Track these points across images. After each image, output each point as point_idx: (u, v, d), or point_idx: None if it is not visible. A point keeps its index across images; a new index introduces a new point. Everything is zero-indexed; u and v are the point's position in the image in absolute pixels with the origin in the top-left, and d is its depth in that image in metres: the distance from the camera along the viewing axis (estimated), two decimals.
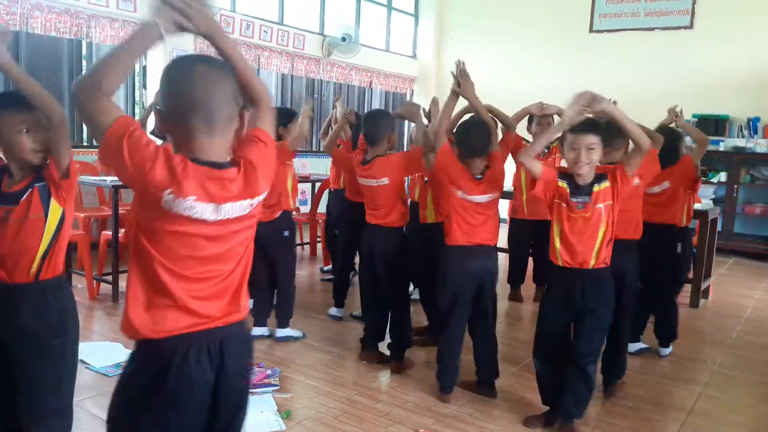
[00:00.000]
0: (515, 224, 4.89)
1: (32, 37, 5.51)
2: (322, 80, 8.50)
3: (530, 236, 4.85)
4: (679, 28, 8.05)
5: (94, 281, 4.53)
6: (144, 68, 6.40)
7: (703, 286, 5.10)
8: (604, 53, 8.44)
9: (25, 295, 1.92)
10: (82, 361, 3.27)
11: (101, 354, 3.42)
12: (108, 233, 4.61)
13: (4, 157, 1.93)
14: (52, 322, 1.96)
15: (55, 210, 1.93)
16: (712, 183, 7.38)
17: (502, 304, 4.82)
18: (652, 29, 8.23)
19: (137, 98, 6.54)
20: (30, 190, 1.88)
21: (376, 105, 9.69)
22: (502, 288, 5.01)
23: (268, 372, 3.23)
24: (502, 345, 3.96)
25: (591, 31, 8.65)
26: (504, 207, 4.81)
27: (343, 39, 8.13)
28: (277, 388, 3.08)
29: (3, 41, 1.84)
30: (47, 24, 5.40)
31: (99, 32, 5.79)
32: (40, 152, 1.88)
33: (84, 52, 6.09)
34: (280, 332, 3.75)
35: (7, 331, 1.91)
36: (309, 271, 5.69)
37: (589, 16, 8.64)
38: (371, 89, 9.40)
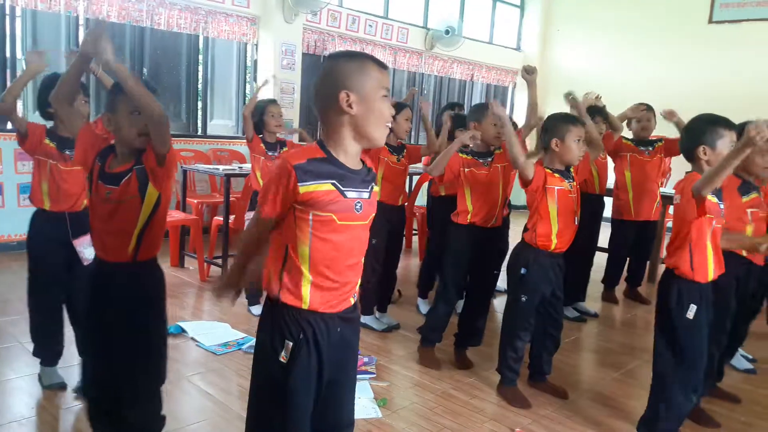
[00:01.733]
0: (620, 225, 4.70)
1: (156, 32, 5.89)
2: (423, 74, 8.52)
3: (633, 237, 4.68)
4: None
5: (205, 264, 4.80)
6: (255, 62, 6.67)
7: None
8: (725, 46, 7.85)
9: (118, 274, 2.00)
10: (193, 339, 3.49)
11: (210, 333, 3.62)
12: (219, 219, 4.86)
13: (114, 137, 2.02)
14: (139, 303, 2.01)
15: (151, 193, 1.99)
16: None
17: (596, 304, 4.69)
18: None
19: (247, 91, 6.83)
20: (130, 173, 1.96)
21: (477, 98, 9.59)
22: (596, 288, 4.90)
23: (365, 359, 3.31)
24: (604, 348, 3.86)
25: (710, 21, 8.09)
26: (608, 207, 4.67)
27: (447, 32, 8.10)
28: (374, 375, 3.14)
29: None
30: (170, 20, 5.76)
31: (215, 28, 6.10)
32: (143, 136, 1.95)
33: (200, 46, 6.43)
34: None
35: (103, 306, 2.01)
36: (405, 263, 5.73)
37: (709, 5, 8.08)
38: (473, 82, 9.31)
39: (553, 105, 4.14)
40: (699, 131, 2.38)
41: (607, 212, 4.67)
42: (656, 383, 2.51)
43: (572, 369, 3.49)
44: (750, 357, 3.71)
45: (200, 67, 6.51)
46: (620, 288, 4.97)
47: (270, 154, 4.00)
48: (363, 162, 1.63)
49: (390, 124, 1.60)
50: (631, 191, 4.55)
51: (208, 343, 3.47)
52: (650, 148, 4.52)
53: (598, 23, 9.04)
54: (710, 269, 2.40)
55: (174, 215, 4.89)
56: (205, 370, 3.14)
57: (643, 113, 4.53)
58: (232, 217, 4.74)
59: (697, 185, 2.22)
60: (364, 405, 2.81)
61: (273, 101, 4.14)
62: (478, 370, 3.32)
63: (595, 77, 8.85)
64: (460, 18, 8.60)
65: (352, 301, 1.66)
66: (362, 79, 1.53)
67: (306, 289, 1.56)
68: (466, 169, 3.19)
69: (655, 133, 4.58)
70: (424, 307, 4.29)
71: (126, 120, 1.95)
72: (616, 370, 3.47)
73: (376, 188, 1.66)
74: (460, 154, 3.19)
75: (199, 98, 6.51)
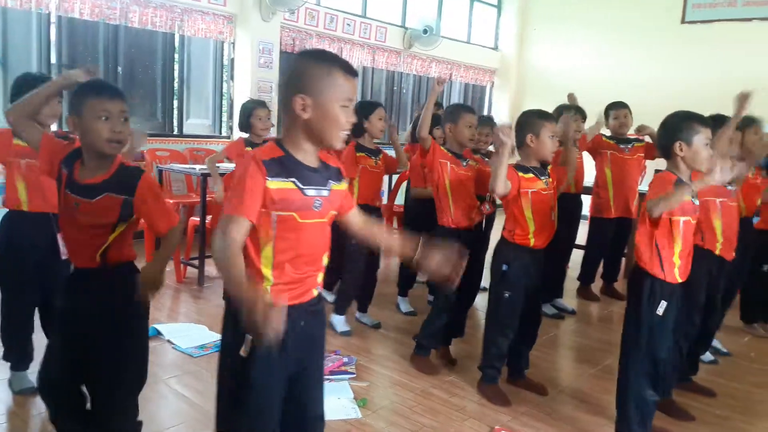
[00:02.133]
0: (599, 222, 4.75)
1: (130, 30, 5.80)
2: (402, 73, 8.52)
3: (612, 234, 4.75)
4: None
5: (182, 265, 4.74)
6: (232, 60, 6.61)
7: None
8: (697, 46, 7.99)
9: (91, 278, 1.95)
10: (169, 342, 3.45)
11: (186, 335, 3.57)
12: (195, 219, 4.80)
13: (81, 142, 1.93)
14: (114, 308, 1.93)
15: (124, 224, 1.93)
16: None
17: (573, 301, 4.74)
18: (750, 20, 7.74)
19: (224, 90, 6.77)
20: (104, 193, 1.87)
21: (456, 97, 9.63)
22: (573, 285, 4.95)
23: (345, 360, 3.29)
24: (581, 344, 3.89)
25: (683, 21, 8.23)
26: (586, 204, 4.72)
27: (425, 31, 8.11)
28: (354, 376, 3.13)
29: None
30: (144, 18, 5.68)
31: (191, 26, 6.03)
32: (113, 143, 1.87)
33: (176, 45, 6.36)
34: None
35: (78, 311, 1.95)
36: (385, 262, 5.72)
37: (682, 5, 8.21)
38: (451, 81, 9.34)
39: (531, 104, 4.20)
40: (675, 127, 2.40)
41: (585, 209, 4.71)
42: (622, 378, 2.54)
43: (551, 366, 3.52)
44: (725, 350, 3.77)
45: (176, 66, 6.42)
46: (597, 285, 5.01)
47: None
48: (322, 160, 1.61)
49: (346, 132, 1.57)
50: (612, 189, 4.60)
51: (185, 345, 3.43)
52: (629, 146, 4.57)
53: (574, 23, 9.13)
54: (677, 272, 2.43)
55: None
56: (181, 372, 3.10)
57: (621, 111, 4.60)
58: (209, 218, 4.68)
59: (651, 206, 2.26)
60: (344, 405, 2.80)
61: (261, 103, 4.05)
62: (457, 368, 3.32)
63: (571, 76, 8.93)
64: (438, 17, 8.62)
65: (315, 292, 1.64)
66: (323, 84, 1.50)
67: (267, 288, 1.54)
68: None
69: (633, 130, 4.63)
70: (404, 305, 4.29)
71: (93, 124, 1.85)
72: (593, 366, 3.50)
73: (337, 186, 1.62)
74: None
75: (175, 97, 6.42)
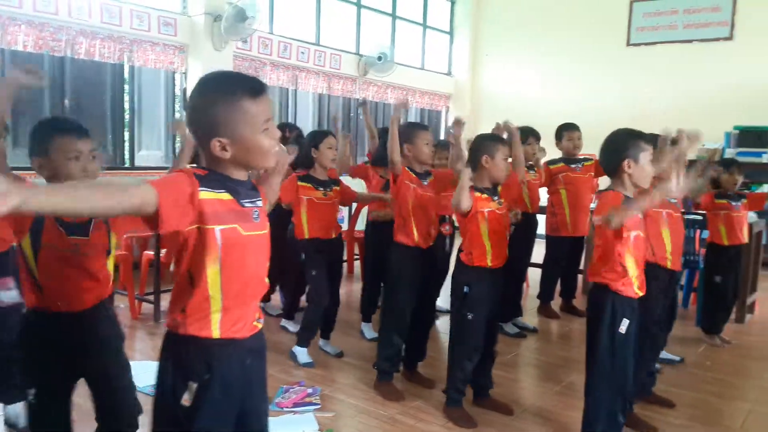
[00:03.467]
0: (556, 241, 4.83)
1: (77, 62, 5.69)
2: (358, 99, 8.56)
3: (568, 252, 4.85)
4: (718, 39, 7.92)
5: (137, 301, 4.60)
6: (184, 90, 6.54)
7: (749, 300, 4.94)
8: (642, 67, 8.33)
9: (86, 321, 1.96)
10: None
11: (143, 373, 3.44)
12: (150, 253, 4.68)
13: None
14: (106, 346, 2.03)
15: (112, 237, 2.02)
16: None
17: (534, 319, 4.78)
18: (691, 41, 8.11)
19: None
20: (94, 222, 1.93)
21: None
22: (534, 303, 5.01)
23: (309, 390, 3.22)
24: (544, 362, 3.91)
25: (628, 44, 8.56)
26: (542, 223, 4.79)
27: (379, 58, 8.20)
28: (319, 407, 3.06)
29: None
30: (92, 49, 5.58)
31: (141, 56, 5.95)
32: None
33: (126, 76, 6.26)
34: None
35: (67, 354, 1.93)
36: (347, 288, 5.68)
37: (626, 29, 8.55)
38: (407, 107, 9.41)
39: (485, 127, 4.24)
40: (623, 145, 2.44)
41: (540, 229, 4.77)
42: (590, 398, 2.54)
43: (515, 384, 3.52)
44: (678, 359, 3.84)
45: (126, 97, 6.32)
46: (557, 302, 5.07)
47: None
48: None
49: (275, 149, 1.51)
50: (568, 208, 4.70)
51: (141, 384, 3.26)
52: (580, 165, 4.69)
53: (524, 48, 9.39)
54: (636, 286, 2.47)
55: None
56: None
57: (574, 133, 4.73)
58: (163, 251, 4.57)
59: (607, 219, 2.27)
60: None
61: None
62: (422, 392, 3.29)
63: (523, 100, 9.17)
64: (392, 44, 8.73)
65: (258, 325, 1.56)
66: (235, 121, 1.41)
67: (216, 317, 1.45)
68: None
69: (584, 151, 4.74)
70: (368, 331, 4.24)
71: (64, 165, 1.83)
72: (556, 383, 3.51)
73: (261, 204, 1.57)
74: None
75: (125, 128, 6.31)
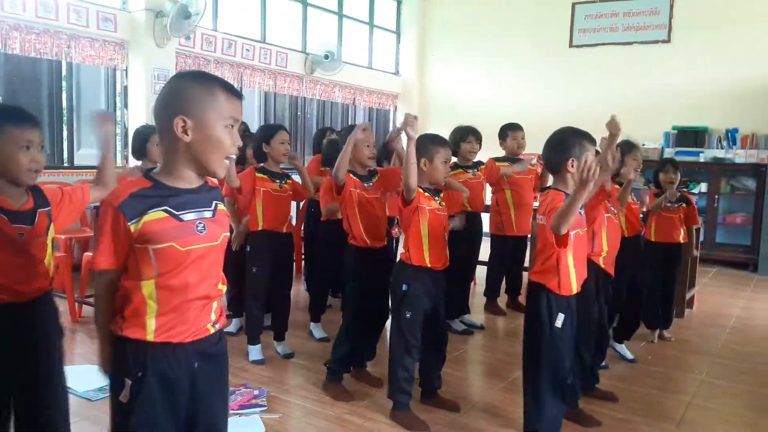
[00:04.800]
0: (500, 240, 4.90)
1: (11, 58, 5.46)
2: (305, 98, 8.51)
3: (512, 249, 4.93)
4: (657, 41, 8.20)
5: (76, 303, 4.45)
6: (125, 88, 6.36)
7: (688, 296, 5.13)
8: (584, 68, 8.57)
9: (33, 310, 1.95)
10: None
11: (83, 377, 3.34)
12: (89, 254, 4.53)
13: None
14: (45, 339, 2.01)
15: (51, 230, 1.99)
16: (693, 194, 7.48)
17: (480, 316, 4.86)
18: (631, 43, 8.37)
19: (119, 119, 6.49)
20: (37, 213, 1.92)
21: (359, 122, 9.71)
22: (480, 301, 5.08)
23: (255, 392, 3.18)
24: (490, 359, 3.98)
25: (571, 45, 8.78)
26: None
27: (326, 56, 8.16)
28: (265, 408, 3.03)
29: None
30: (26, 44, 5.36)
31: (79, 53, 5.75)
32: (33, 172, 1.88)
33: (64, 72, 6.04)
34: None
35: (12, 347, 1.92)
36: (295, 288, 5.63)
37: (569, 31, 8.76)
38: (354, 106, 9.42)
39: (433, 127, 4.29)
40: (568, 144, 2.48)
41: (485, 227, 4.84)
42: (527, 392, 2.60)
43: (461, 382, 3.56)
44: (630, 357, 3.94)
45: (64, 94, 6.10)
46: (503, 299, 5.15)
47: None
48: (206, 181, 1.56)
49: (232, 155, 1.52)
50: (512, 207, 4.75)
51: (82, 388, 3.20)
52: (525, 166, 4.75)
53: (470, 48, 9.50)
54: (573, 284, 2.51)
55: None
56: (79, 418, 2.86)
57: (518, 132, 4.78)
58: None
59: (555, 225, 2.28)
60: None
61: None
62: (371, 392, 3.29)
63: (469, 100, 9.29)
64: (339, 43, 8.70)
65: (211, 329, 1.56)
66: (204, 104, 1.43)
67: (151, 321, 1.46)
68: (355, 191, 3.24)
69: (528, 150, 4.83)
70: (317, 331, 4.22)
71: (13, 154, 1.83)
72: (502, 379, 3.57)
73: (222, 206, 1.58)
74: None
75: (64, 127, 6.09)
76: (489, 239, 4.96)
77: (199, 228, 1.48)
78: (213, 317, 1.56)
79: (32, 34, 5.39)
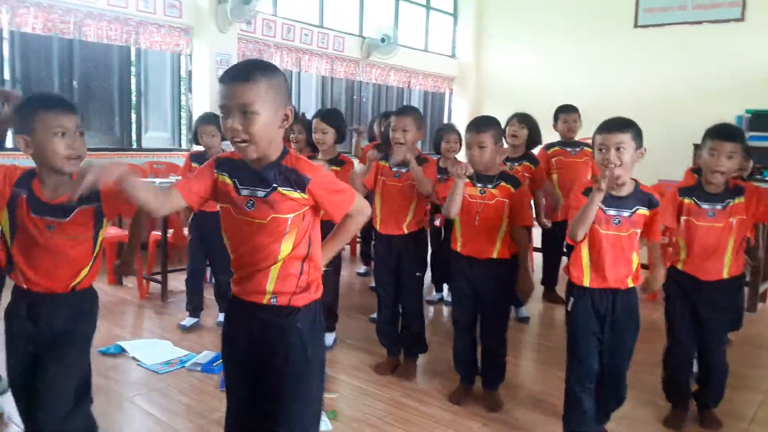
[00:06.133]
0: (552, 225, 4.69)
1: (85, 44, 5.70)
2: (361, 82, 8.55)
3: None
4: (729, 20, 7.81)
5: (144, 281, 4.66)
6: (190, 73, 6.54)
7: (762, 289, 4.91)
8: (650, 49, 8.23)
9: (57, 305, 1.92)
10: (134, 359, 3.39)
11: (151, 351, 3.51)
12: (157, 233, 4.72)
13: (35, 162, 1.88)
14: (74, 332, 1.96)
15: (103, 229, 1.98)
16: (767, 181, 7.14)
17: (537, 305, 4.81)
18: (701, 23, 8.01)
19: (183, 103, 6.69)
20: (76, 208, 1.86)
21: (415, 105, 9.67)
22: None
23: None
24: (547, 347, 3.94)
25: (636, 26, 8.46)
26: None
27: (382, 40, 8.16)
28: None
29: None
30: (99, 31, 5.58)
31: (146, 39, 5.95)
32: (72, 159, 1.83)
33: (132, 58, 6.26)
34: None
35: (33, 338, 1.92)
36: (348, 271, 5.72)
37: (634, 10, 8.44)
38: (410, 89, 9.41)
39: (490, 110, 4.24)
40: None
41: None
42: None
43: (519, 370, 3.54)
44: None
45: (133, 79, 6.33)
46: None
47: None
48: (285, 165, 1.63)
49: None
50: (559, 192, 4.57)
51: (150, 362, 3.36)
52: (577, 149, 4.58)
53: (529, 29, 9.30)
54: (586, 277, 2.42)
55: (110, 232, 4.72)
56: (147, 390, 3.04)
57: (570, 115, 4.61)
58: (170, 232, 4.61)
59: (572, 232, 2.31)
60: None
61: (207, 118, 3.97)
62: (426, 375, 3.33)
63: (528, 82, 9.12)
64: (395, 26, 8.68)
65: (267, 299, 1.67)
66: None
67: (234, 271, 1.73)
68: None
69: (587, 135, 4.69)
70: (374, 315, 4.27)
71: (49, 141, 1.79)
72: (561, 369, 3.52)
73: (288, 192, 1.62)
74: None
75: (132, 110, 6.33)
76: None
77: (248, 204, 1.62)
78: (269, 288, 1.66)
79: (104, 21, 5.61)
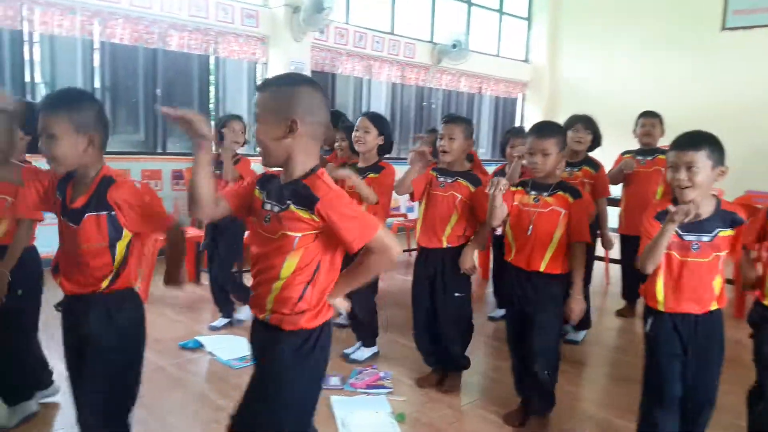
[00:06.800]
0: (622, 239, 4.58)
1: (168, 54, 5.98)
2: (431, 88, 8.56)
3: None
4: None
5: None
6: None
7: None
8: (739, 53, 7.78)
9: (91, 307, 1.88)
10: (211, 354, 3.53)
11: (227, 346, 3.64)
12: None
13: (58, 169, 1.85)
14: (111, 336, 1.87)
15: (126, 236, 1.87)
16: None
17: (612, 319, 4.67)
18: None
19: None
20: (88, 215, 1.82)
21: (486, 111, 9.64)
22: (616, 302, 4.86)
23: (381, 374, 3.31)
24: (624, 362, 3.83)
25: (723, 28, 8.03)
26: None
27: (454, 46, 8.16)
28: (391, 390, 3.14)
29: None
30: (181, 41, 5.85)
31: (225, 48, 6.19)
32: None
33: (211, 66, 6.52)
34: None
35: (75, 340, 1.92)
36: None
37: (722, 12, 8.01)
38: (480, 95, 9.35)
39: (564, 115, 4.14)
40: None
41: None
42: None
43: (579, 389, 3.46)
44: None
45: (212, 87, 6.59)
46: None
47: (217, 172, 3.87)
48: (303, 182, 1.61)
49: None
50: (625, 202, 4.45)
51: (226, 357, 3.49)
52: (648, 158, 4.37)
53: (606, 32, 9.04)
54: (660, 303, 2.21)
55: (190, 232, 4.94)
56: (223, 384, 3.16)
57: (648, 120, 4.42)
58: (246, 233, 4.76)
59: (641, 264, 2.14)
60: (382, 420, 2.81)
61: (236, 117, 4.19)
62: (494, 386, 3.31)
63: (604, 87, 8.86)
64: (467, 31, 8.66)
65: (266, 316, 1.69)
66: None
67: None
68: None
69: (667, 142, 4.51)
70: None
71: (70, 141, 1.77)
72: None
73: (298, 210, 1.59)
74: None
75: (212, 118, 6.58)
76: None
77: (265, 219, 1.66)
78: (268, 305, 1.66)
79: (186, 31, 5.87)
